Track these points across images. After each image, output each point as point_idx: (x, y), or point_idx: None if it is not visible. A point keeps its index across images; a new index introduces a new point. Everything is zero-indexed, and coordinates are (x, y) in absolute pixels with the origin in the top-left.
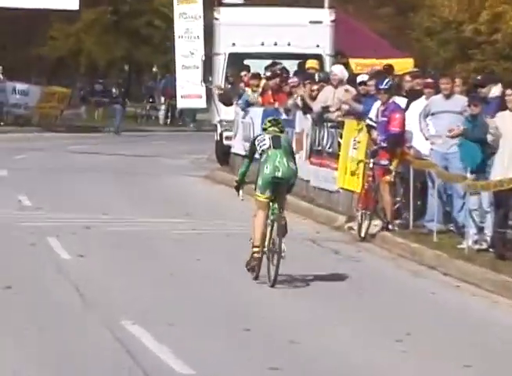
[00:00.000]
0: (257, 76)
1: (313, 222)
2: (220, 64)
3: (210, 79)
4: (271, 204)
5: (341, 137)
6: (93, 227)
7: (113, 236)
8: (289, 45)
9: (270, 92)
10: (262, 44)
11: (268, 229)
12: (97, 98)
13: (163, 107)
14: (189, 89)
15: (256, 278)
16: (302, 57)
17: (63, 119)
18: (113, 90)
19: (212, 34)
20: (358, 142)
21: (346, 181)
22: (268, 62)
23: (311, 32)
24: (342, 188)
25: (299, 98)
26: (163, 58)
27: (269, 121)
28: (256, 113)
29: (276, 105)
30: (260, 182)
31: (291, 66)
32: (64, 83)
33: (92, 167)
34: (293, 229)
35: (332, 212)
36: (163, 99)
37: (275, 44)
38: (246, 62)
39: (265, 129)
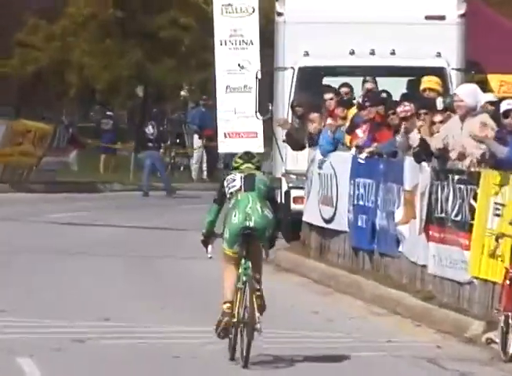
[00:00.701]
0: (346, 103)
1: (432, 331)
2: (285, 85)
3: (269, 108)
4: (243, 261)
5: (475, 198)
6: (88, 340)
7: (118, 353)
8: (393, 53)
9: (364, 128)
10: (352, 52)
11: (238, 295)
12: (104, 138)
13: (196, 153)
14: (238, 124)
15: (232, 358)
16: (414, 72)
17: (41, 172)
18: (150, 129)
19: (273, 39)
20: (503, 205)
21: (483, 266)
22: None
23: (428, 33)
24: (477, 277)
25: (416, 135)
26: (195, 76)
27: (240, 158)
28: (342, 160)
29: (373, 147)
30: (227, 234)
31: (396, 86)
32: (42, 115)
33: (87, 246)
34: (400, 340)
35: (461, 315)
36: (197, 139)
37: (372, 52)
38: (326, 81)
39: (236, 168)
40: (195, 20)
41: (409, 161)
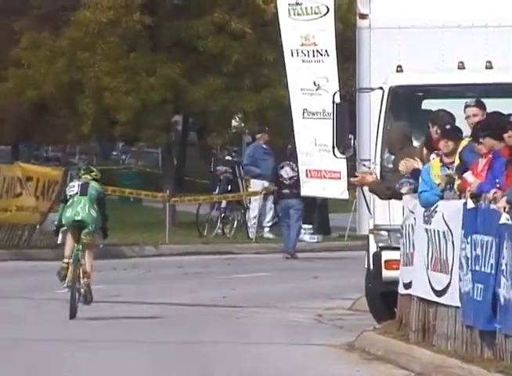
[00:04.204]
0: (455, 132)
1: None
2: (372, 110)
3: (352, 142)
4: (75, 245)
5: None
6: None
7: None
8: None
9: (479, 167)
10: (461, 66)
11: (70, 268)
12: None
13: (256, 202)
14: (318, 160)
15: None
16: None
17: (47, 233)
18: (288, 171)
19: (354, 49)
20: None
21: None
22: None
23: None
24: None
25: None
26: (253, 99)
27: (83, 169)
28: (455, 210)
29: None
30: (64, 222)
31: None
32: (47, 155)
33: (112, 332)
34: None
35: None
36: (258, 183)
37: (489, 65)
38: (425, 105)
39: (80, 177)
40: (253, 24)
41: None
